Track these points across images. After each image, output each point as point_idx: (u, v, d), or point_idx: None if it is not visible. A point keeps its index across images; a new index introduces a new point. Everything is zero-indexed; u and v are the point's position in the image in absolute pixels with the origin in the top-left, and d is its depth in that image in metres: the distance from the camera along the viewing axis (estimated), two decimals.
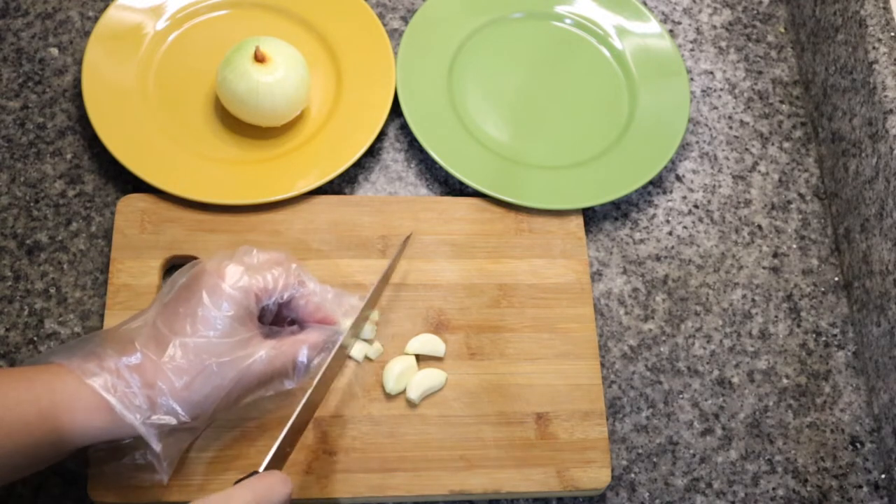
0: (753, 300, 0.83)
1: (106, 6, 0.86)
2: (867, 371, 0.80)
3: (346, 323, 0.68)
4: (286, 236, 0.77)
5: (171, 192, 0.77)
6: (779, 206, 0.88)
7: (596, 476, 0.72)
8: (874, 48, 0.82)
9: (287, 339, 0.65)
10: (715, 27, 0.97)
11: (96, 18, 0.87)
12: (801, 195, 0.89)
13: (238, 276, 0.63)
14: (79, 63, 0.85)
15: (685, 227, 0.86)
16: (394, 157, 0.85)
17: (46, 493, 0.69)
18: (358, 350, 0.74)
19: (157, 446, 0.60)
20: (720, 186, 0.88)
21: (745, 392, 0.79)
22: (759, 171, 0.89)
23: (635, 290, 0.82)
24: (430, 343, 0.74)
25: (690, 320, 0.81)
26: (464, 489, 0.70)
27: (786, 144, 0.91)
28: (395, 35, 0.91)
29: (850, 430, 0.79)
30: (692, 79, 0.93)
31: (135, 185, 0.79)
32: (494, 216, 0.81)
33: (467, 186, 0.83)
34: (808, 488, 0.76)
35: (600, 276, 0.82)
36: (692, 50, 0.95)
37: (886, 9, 0.84)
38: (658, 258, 0.84)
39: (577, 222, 0.82)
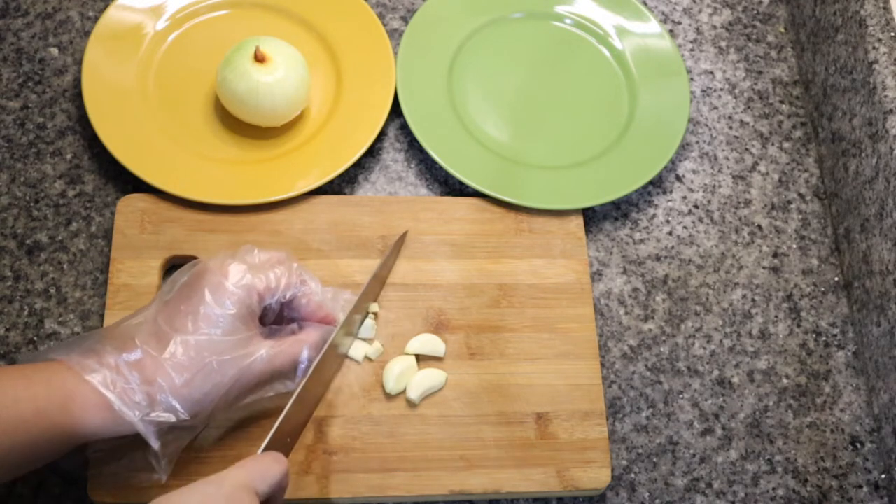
0: (753, 300, 0.83)
1: (106, 6, 0.86)
2: (867, 371, 0.80)
3: (343, 318, 0.68)
4: (286, 236, 0.77)
5: (171, 192, 0.77)
6: (779, 206, 0.88)
7: (596, 476, 0.72)
8: (874, 48, 0.82)
9: (287, 339, 0.65)
10: (715, 27, 0.97)
11: (96, 18, 0.87)
12: (801, 195, 0.89)
13: (241, 274, 0.63)
14: (79, 63, 0.85)
15: (685, 227, 0.86)
16: (394, 157, 0.85)
17: (46, 493, 0.69)
18: (358, 350, 0.74)
19: (155, 444, 0.60)
20: (720, 186, 0.88)
21: (745, 392, 0.79)
22: (759, 171, 0.89)
23: (635, 290, 0.82)
24: (430, 343, 0.74)
25: (690, 320, 0.81)
26: (464, 489, 0.70)
27: (786, 144, 0.91)
28: (395, 35, 0.91)
29: (850, 430, 0.79)
30: (692, 79, 0.93)
31: (135, 185, 0.79)
32: (494, 216, 0.81)
33: (467, 186, 0.83)
34: (808, 488, 0.76)
35: (600, 276, 0.82)
36: (692, 50, 0.95)
37: (886, 9, 0.84)
38: (658, 258, 0.84)
39: (577, 222, 0.82)
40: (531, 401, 0.74)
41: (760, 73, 0.95)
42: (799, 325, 0.82)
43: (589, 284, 0.79)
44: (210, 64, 0.83)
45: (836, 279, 0.85)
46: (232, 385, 0.61)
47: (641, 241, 0.84)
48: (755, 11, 0.98)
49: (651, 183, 0.87)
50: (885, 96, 0.80)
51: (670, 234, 0.85)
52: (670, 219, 0.86)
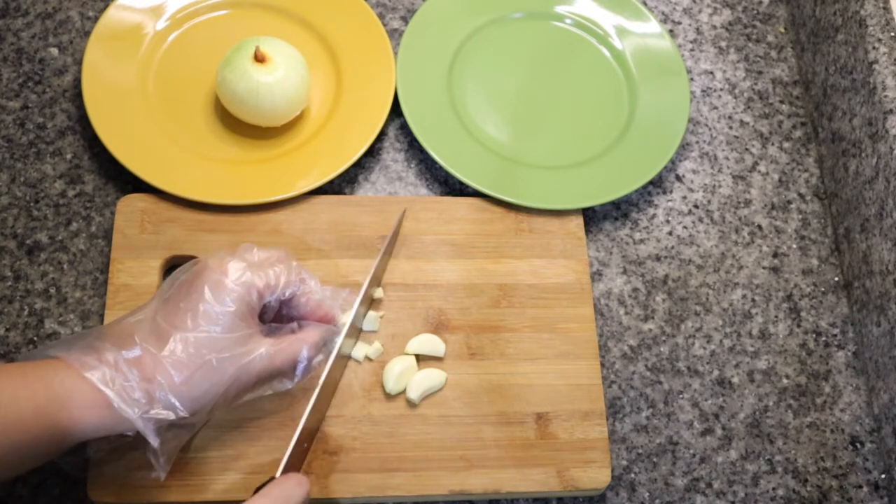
0: (753, 300, 0.83)
1: (106, 6, 0.86)
2: (867, 371, 0.80)
3: (344, 318, 0.68)
4: (286, 236, 0.77)
5: (171, 192, 0.77)
6: (779, 206, 0.88)
7: (596, 476, 0.72)
8: (874, 48, 0.82)
9: (287, 338, 0.65)
10: (715, 27, 0.97)
11: (96, 18, 0.87)
12: (801, 195, 0.89)
13: (241, 272, 0.63)
14: (79, 63, 0.85)
15: (685, 227, 0.86)
16: (394, 157, 0.85)
17: (46, 493, 0.68)
18: (358, 350, 0.74)
19: (154, 441, 0.59)
20: (720, 186, 0.88)
21: (745, 392, 0.79)
22: (759, 171, 0.89)
23: (635, 290, 0.82)
24: (430, 343, 0.74)
25: (690, 320, 0.81)
26: (464, 489, 0.70)
27: (786, 144, 0.91)
28: (395, 35, 0.91)
29: (850, 430, 0.79)
30: (692, 79, 0.93)
31: (135, 185, 0.79)
32: (494, 216, 0.81)
33: (467, 186, 0.83)
34: (808, 488, 0.76)
35: (600, 276, 0.82)
36: (692, 50, 0.95)
37: (886, 9, 0.84)
38: (658, 258, 0.84)
39: (577, 222, 0.82)
40: (531, 401, 0.74)
41: (760, 73, 0.95)
42: (799, 325, 0.82)
43: (589, 284, 0.79)
44: (210, 64, 0.83)
45: (836, 279, 0.85)
46: (231, 383, 0.61)
47: (641, 241, 0.84)
48: (755, 11, 0.98)
49: (651, 183, 0.87)
50: (885, 96, 0.80)
51: (670, 234, 0.85)
52: (670, 219, 0.86)
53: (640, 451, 0.76)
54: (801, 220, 0.88)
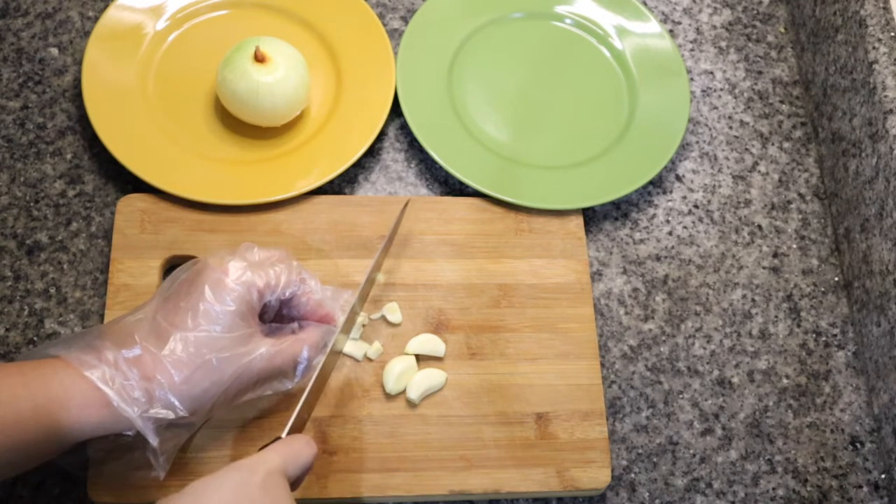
0: (753, 300, 0.83)
1: (106, 6, 0.86)
2: (867, 371, 0.80)
3: (343, 319, 0.68)
4: (286, 236, 0.77)
5: (171, 192, 0.77)
6: (779, 206, 0.88)
7: (596, 476, 0.72)
8: (874, 48, 0.82)
9: (287, 338, 0.65)
10: (715, 27, 0.97)
11: (96, 18, 0.87)
12: (801, 195, 0.89)
13: (241, 271, 0.63)
14: (79, 63, 0.85)
15: (685, 227, 0.86)
16: (394, 157, 0.85)
17: (46, 493, 0.68)
18: (358, 350, 0.74)
19: (154, 440, 0.59)
20: (720, 186, 0.88)
21: (745, 392, 0.79)
22: (759, 171, 0.89)
23: (635, 290, 0.82)
24: (430, 343, 0.74)
25: (690, 320, 0.81)
26: (464, 489, 0.70)
27: (786, 144, 0.91)
28: (395, 35, 0.91)
29: (850, 430, 0.79)
30: (692, 79, 0.93)
31: (135, 185, 0.79)
32: (494, 216, 0.81)
33: (467, 186, 0.83)
34: (808, 488, 0.76)
35: (600, 276, 0.82)
36: (692, 50, 0.95)
37: (886, 9, 0.84)
38: (658, 258, 0.84)
39: (577, 222, 0.82)
40: (531, 401, 0.74)
41: (760, 73, 0.95)
42: (799, 325, 0.82)
43: (589, 284, 0.79)
44: (210, 64, 0.83)
45: (836, 279, 0.85)
46: (231, 382, 0.61)
47: (641, 241, 0.84)
48: (755, 11, 0.98)
49: (651, 183, 0.87)
50: (885, 96, 0.80)
51: (670, 234, 0.85)
52: (670, 219, 0.86)
53: (640, 451, 0.76)
54: (801, 220, 0.88)
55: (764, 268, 0.85)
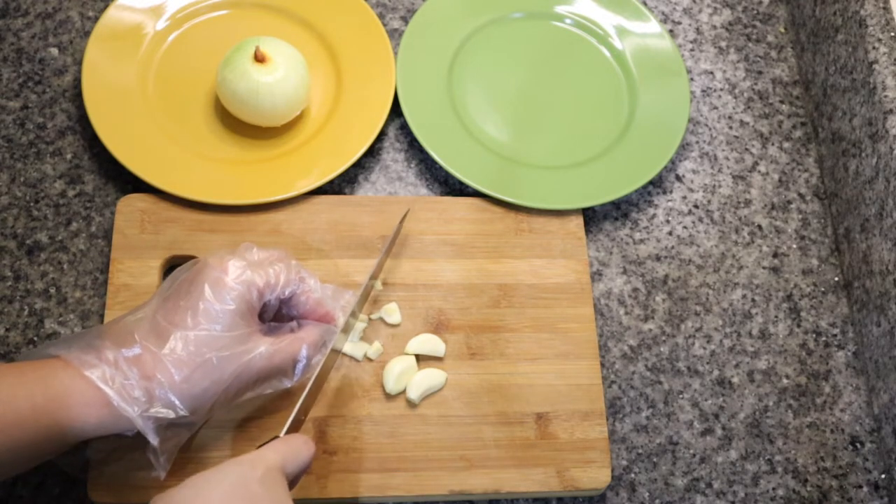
0: (753, 300, 0.83)
1: (106, 6, 0.86)
2: (867, 371, 0.80)
3: (343, 320, 0.68)
4: (286, 236, 0.77)
5: (171, 192, 0.77)
6: (779, 206, 0.88)
7: (596, 476, 0.72)
8: (874, 48, 0.82)
9: (287, 337, 0.65)
10: (715, 27, 0.97)
11: (96, 18, 0.87)
12: (801, 195, 0.89)
13: (241, 270, 0.63)
14: (79, 63, 0.85)
15: (685, 227, 0.86)
16: (394, 157, 0.85)
17: (46, 493, 0.68)
18: (358, 350, 0.74)
19: (154, 440, 0.59)
20: (720, 186, 0.88)
21: (745, 392, 0.79)
22: (759, 171, 0.89)
23: (635, 290, 0.82)
24: (430, 343, 0.74)
25: (690, 320, 0.81)
26: (464, 489, 0.70)
27: (786, 144, 0.91)
28: (395, 35, 0.91)
29: (850, 430, 0.79)
30: (692, 79, 0.93)
31: (135, 185, 0.79)
32: (494, 216, 0.81)
33: (467, 186, 0.83)
34: (808, 488, 0.76)
35: (600, 276, 0.82)
36: (692, 50, 0.95)
37: (886, 9, 0.84)
38: (658, 258, 0.84)
39: (577, 222, 0.82)
40: (531, 401, 0.74)
41: (760, 73, 0.95)
42: (799, 325, 0.82)
43: (589, 284, 0.79)
44: (210, 64, 0.83)
45: (836, 279, 0.85)
46: (231, 381, 0.61)
47: (641, 241, 0.84)
48: (755, 11, 0.98)
49: (651, 183, 0.87)
50: (885, 96, 0.80)
51: (670, 234, 0.85)
52: (670, 219, 0.86)
53: (640, 451, 0.76)
54: (801, 220, 0.88)
55: (764, 268, 0.85)
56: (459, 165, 0.82)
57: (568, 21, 0.94)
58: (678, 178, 0.88)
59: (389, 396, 0.73)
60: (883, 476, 0.77)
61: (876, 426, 0.79)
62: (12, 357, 0.72)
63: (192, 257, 0.74)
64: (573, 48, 0.93)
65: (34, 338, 0.73)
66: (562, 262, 0.80)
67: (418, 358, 0.74)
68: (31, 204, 0.78)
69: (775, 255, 0.85)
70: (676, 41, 0.95)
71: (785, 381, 0.80)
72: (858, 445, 0.78)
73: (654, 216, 0.86)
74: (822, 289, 0.85)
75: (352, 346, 0.74)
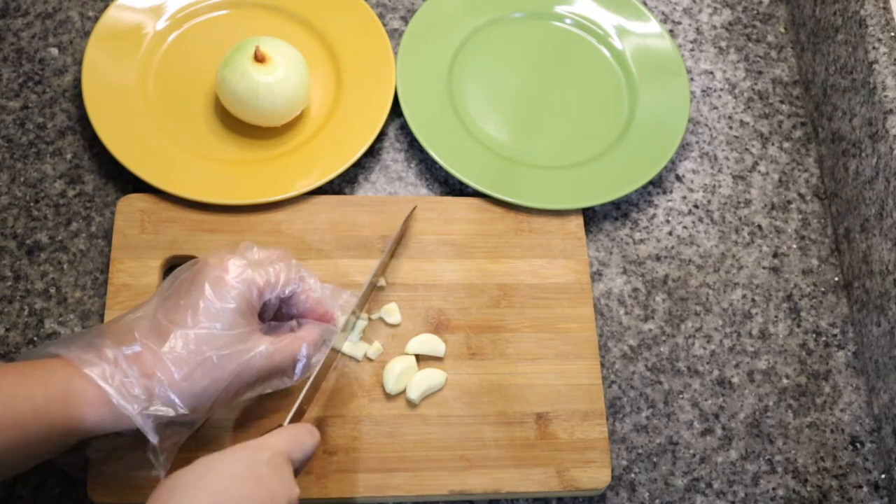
0: (753, 300, 0.83)
1: (106, 6, 0.86)
2: (867, 371, 0.80)
3: (343, 319, 0.68)
4: (286, 236, 0.77)
5: (171, 192, 0.77)
6: (779, 206, 0.88)
7: (596, 476, 0.72)
8: (874, 48, 0.82)
9: (287, 336, 0.65)
10: (715, 27, 0.97)
11: (96, 18, 0.87)
12: (801, 195, 0.89)
13: (241, 269, 0.63)
14: (79, 63, 0.85)
15: (685, 227, 0.86)
16: (394, 157, 0.85)
17: (46, 493, 0.68)
18: (358, 350, 0.74)
19: (154, 438, 0.59)
20: (720, 186, 0.88)
21: (745, 392, 0.79)
22: (759, 171, 0.89)
23: (635, 290, 0.82)
24: (430, 343, 0.74)
25: (690, 320, 0.81)
26: (464, 489, 0.70)
27: (786, 144, 0.91)
28: (395, 35, 0.91)
29: (850, 430, 0.79)
30: (692, 79, 0.93)
31: (135, 185, 0.79)
32: (494, 216, 0.81)
33: (467, 186, 0.83)
34: (808, 488, 0.76)
35: (600, 276, 0.82)
36: (692, 50, 0.95)
37: (886, 9, 0.84)
38: (658, 258, 0.84)
39: (577, 222, 0.82)
40: (531, 401, 0.74)
41: (760, 73, 0.95)
42: (799, 325, 0.82)
43: (589, 284, 0.79)
44: (210, 64, 0.83)
45: (836, 279, 0.85)
46: (231, 380, 0.61)
47: (641, 241, 0.84)
48: (755, 11, 0.98)
49: (651, 183, 0.87)
50: (885, 96, 0.80)
51: (670, 234, 0.85)
52: (670, 219, 0.86)
53: (640, 451, 0.76)
54: (801, 220, 0.88)
55: (764, 268, 0.85)
56: (459, 165, 0.82)
57: (568, 21, 0.94)
58: (678, 178, 0.88)
59: (389, 396, 0.73)
60: (883, 476, 0.77)
61: (876, 426, 0.79)
62: (12, 357, 0.72)
63: (192, 257, 0.74)
64: (573, 48, 0.93)
65: (34, 338, 0.73)
66: (562, 262, 0.80)
67: (418, 358, 0.74)
68: (31, 204, 0.78)
69: (775, 255, 0.85)
70: (676, 41, 0.95)
71: (785, 381, 0.80)
72: (858, 445, 0.78)
73: (654, 216, 0.86)
74: (822, 289, 0.85)
75: (352, 346, 0.74)
